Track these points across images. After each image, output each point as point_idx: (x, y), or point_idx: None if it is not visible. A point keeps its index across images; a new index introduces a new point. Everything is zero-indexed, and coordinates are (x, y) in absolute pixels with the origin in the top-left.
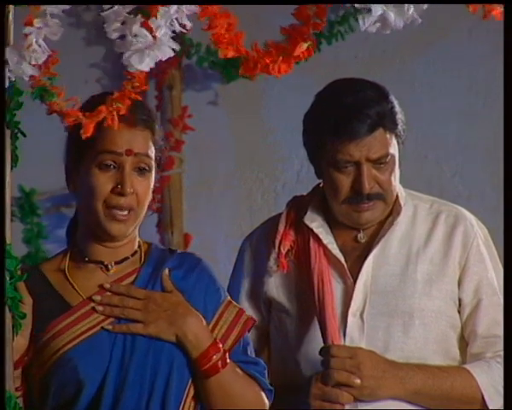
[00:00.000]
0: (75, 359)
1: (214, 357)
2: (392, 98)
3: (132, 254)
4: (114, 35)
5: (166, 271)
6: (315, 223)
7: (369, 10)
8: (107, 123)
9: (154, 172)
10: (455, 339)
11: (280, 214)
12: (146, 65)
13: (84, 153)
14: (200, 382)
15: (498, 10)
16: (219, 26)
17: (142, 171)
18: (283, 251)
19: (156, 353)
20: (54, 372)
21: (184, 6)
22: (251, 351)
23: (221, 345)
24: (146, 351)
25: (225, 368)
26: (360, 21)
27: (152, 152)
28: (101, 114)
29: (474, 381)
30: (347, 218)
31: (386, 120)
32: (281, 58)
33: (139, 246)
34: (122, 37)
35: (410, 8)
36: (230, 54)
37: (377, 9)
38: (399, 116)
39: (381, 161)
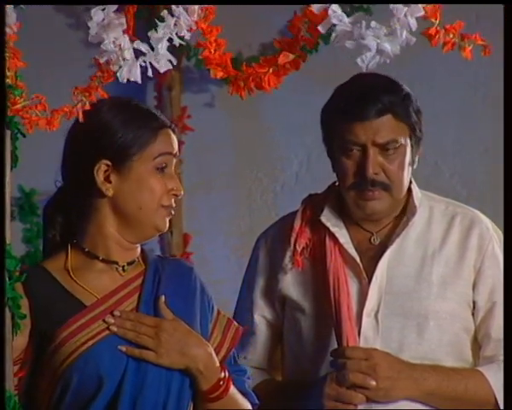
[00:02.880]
0: (97, 355)
1: (221, 388)
2: (412, 97)
3: (137, 257)
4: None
5: (163, 298)
6: (331, 221)
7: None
8: (68, 117)
9: None
10: (468, 341)
11: (295, 212)
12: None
13: (135, 157)
14: (200, 401)
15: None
16: (208, 48)
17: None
18: (298, 249)
19: None
20: (75, 369)
21: (182, 19)
22: (237, 357)
23: (227, 374)
24: None
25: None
26: (359, 62)
27: None
28: (65, 109)
29: (487, 383)
30: (355, 208)
31: (398, 109)
32: (271, 70)
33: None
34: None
35: (403, 33)
36: (220, 74)
37: (372, 44)
38: (415, 109)
39: (389, 147)
